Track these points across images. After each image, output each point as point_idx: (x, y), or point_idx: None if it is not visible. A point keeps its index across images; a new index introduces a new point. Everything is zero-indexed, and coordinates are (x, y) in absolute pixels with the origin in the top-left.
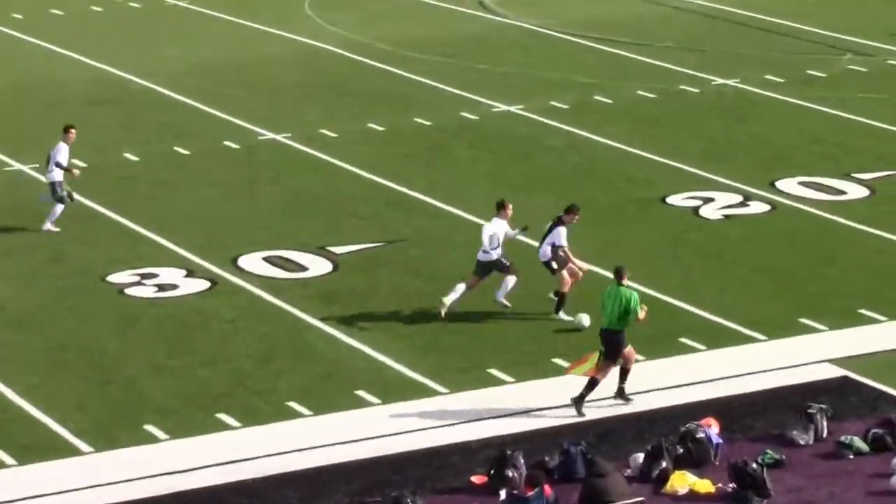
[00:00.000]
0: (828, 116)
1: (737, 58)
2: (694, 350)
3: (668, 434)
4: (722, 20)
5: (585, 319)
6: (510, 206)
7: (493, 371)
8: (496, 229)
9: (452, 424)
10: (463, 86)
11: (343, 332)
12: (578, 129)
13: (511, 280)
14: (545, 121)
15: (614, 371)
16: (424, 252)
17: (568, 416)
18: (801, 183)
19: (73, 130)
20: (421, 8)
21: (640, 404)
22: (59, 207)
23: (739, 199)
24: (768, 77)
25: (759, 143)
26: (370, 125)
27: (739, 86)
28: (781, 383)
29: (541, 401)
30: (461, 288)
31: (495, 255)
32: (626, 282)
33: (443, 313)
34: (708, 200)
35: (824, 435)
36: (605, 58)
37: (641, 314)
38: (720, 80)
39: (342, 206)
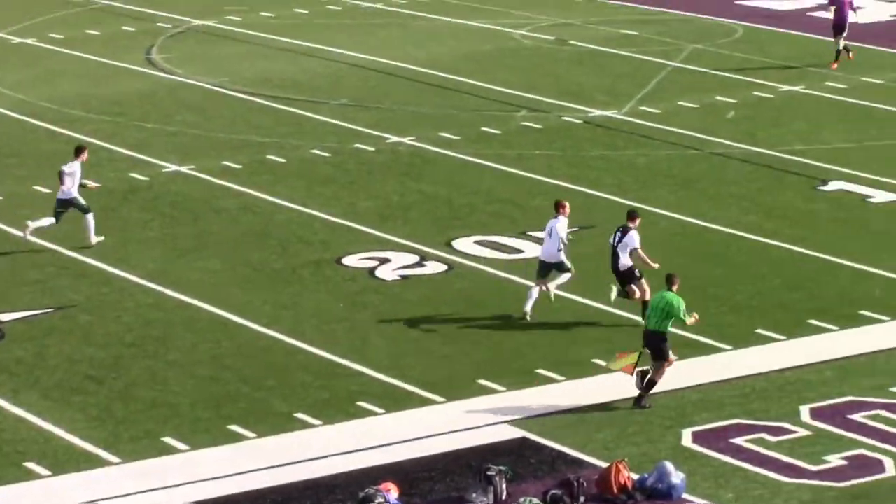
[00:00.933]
0: (504, 174)
1: (412, 115)
2: (372, 413)
3: (346, 500)
4: (396, 77)
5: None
6: (567, 205)
7: (168, 439)
8: (563, 228)
9: (126, 496)
10: (132, 146)
11: (10, 402)
12: (252, 189)
13: (567, 276)
14: (218, 181)
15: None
16: (95, 318)
17: (233, 487)
18: (477, 242)
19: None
20: (88, 66)
21: (318, 469)
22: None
23: (416, 259)
24: (443, 134)
25: (435, 201)
26: (36, 188)
27: (415, 143)
28: (460, 445)
29: (212, 471)
30: (535, 293)
31: (562, 255)
32: (675, 288)
33: (529, 319)
34: (384, 261)
35: (503, 497)
36: (279, 116)
37: (690, 319)
38: (395, 138)
39: (9, 272)
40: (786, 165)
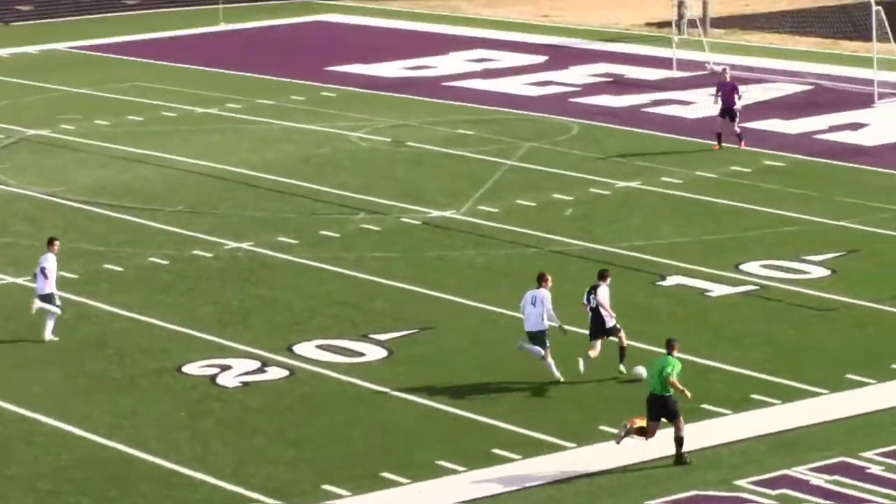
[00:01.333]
0: (344, 277)
1: (250, 220)
2: None
3: None
4: (233, 182)
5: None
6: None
7: None
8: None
9: None
10: None
11: None
12: (89, 299)
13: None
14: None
15: None
16: None
17: None
18: (318, 346)
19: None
20: None
21: None
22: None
23: (257, 365)
24: (282, 239)
25: (275, 306)
26: None
27: (253, 248)
28: None
29: None
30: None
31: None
32: (675, 354)
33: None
34: (225, 368)
35: None
36: (114, 224)
37: (674, 380)
38: (233, 244)
39: None
40: (624, 262)
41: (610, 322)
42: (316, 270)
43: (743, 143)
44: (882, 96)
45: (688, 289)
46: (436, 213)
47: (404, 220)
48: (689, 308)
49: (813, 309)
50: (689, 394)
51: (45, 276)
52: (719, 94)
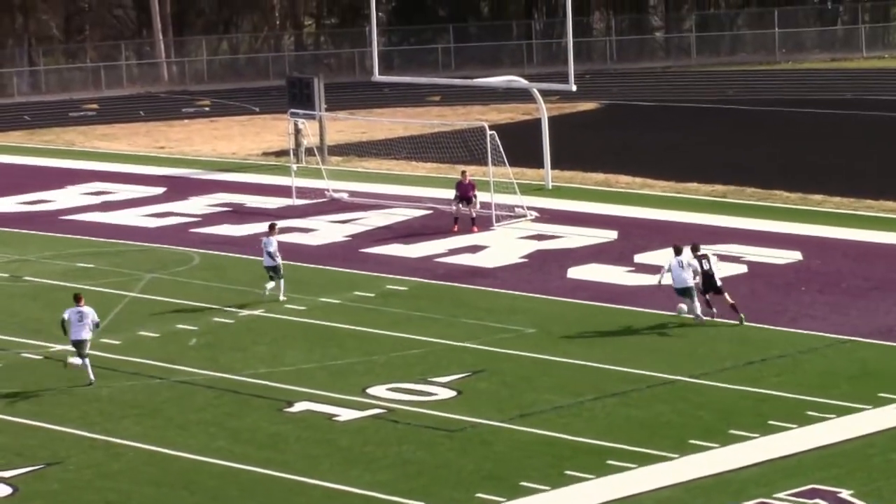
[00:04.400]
0: None
1: None
2: None
3: None
4: None
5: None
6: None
7: None
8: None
9: None
10: None
11: None
12: None
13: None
14: None
15: None
16: None
17: None
18: None
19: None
20: None
21: None
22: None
23: None
24: None
25: None
26: None
27: None
28: None
29: None
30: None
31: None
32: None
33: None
34: None
35: None
36: None
37: None
38: None
39: None
40: (251, 389)
41: (720, 283)
42: None
43: (475, 228)
44: (500, 219)
45: (316, 414)
46: (58, 347)
47: (25, 354)
48: (317, 433)
49: (440, 429)
50: None
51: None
52: (458, 190)
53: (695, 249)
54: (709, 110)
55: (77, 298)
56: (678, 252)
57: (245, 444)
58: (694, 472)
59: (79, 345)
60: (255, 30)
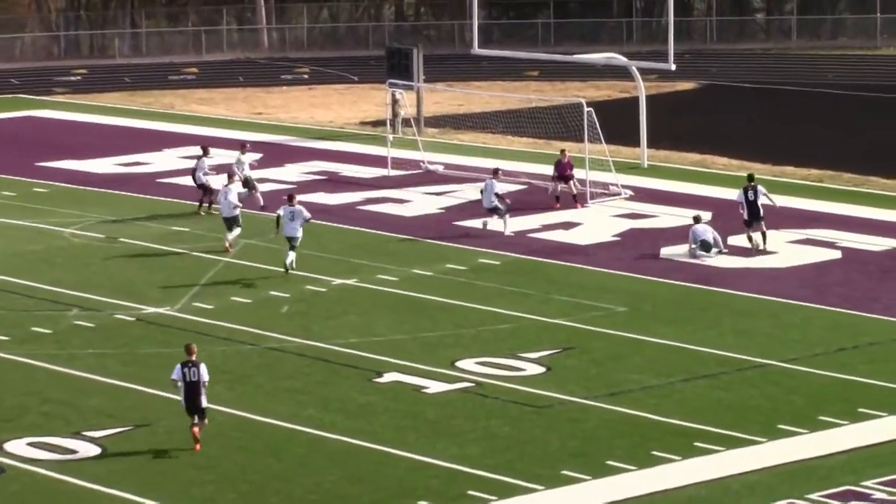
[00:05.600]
0: (57, 374)
1: None
2: None
3: None
4: None
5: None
6: None
7: None
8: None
9: None
10: None
11: None
12: None
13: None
14: None
15: None
16: None
17: None
18: (30, 444)
19: None
20: None
21: None
22: None
23: None
24: None
25: None
26: None
27: None
28: None
29: None
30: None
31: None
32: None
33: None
34: None
35: None
36: None
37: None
38: None
39: None
40: (341, 358)
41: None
42: (27, 367)
43: (579, 203)
44: (594, 196)
45: (404, 385)
46: (150, 310)
47: (118, 316)
48: (405, 404)
49: (528, 405)
50: None
51: None
52: (556, 169)
53: (750, 179)
54: (808, 94)
55: (290, 198)
56: (697, 221)
57: (334, 413)
58: (782, 457)
59: (291, 240)
60: None
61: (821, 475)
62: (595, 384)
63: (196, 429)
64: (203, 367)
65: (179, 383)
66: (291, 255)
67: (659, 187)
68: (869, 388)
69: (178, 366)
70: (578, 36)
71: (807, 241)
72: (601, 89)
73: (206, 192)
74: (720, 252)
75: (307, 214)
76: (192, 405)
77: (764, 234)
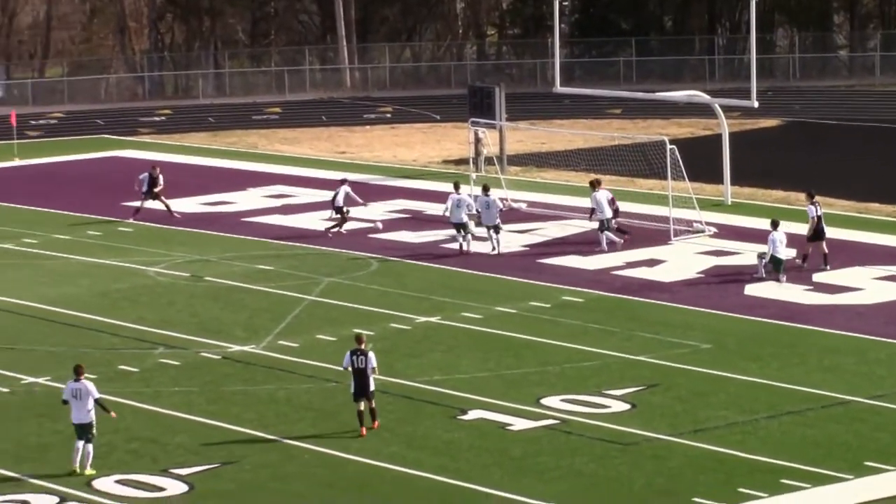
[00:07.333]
0: (143, 412)
1: (46, 355)
2: None
3: None
4: (29, 317)
5: None
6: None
7: None
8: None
9: None
10: None
11: None
12: None
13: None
14: None
15: None
16: None
17: None
18: (118, 481)
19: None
20: None
21: None
22: None
23: (56, 500)
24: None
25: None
26: None
27: (50, 383)
28: None
29: None
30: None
31: None
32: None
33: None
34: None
35: None
36: None
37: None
38: (30, 379)
39: None
40: (425, 395)
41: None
42: (115, 405)
43: (622, 239)
44: (678, 233)
45: (489, 422)
46: (236, 348)
47: (204, 354)
48: (490, 442)
49: (613, 442)
50: None
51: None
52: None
53: (810, 196)
54: (892, 130)
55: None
56: (775, 227)
57: (418, 451)
58: (869, 493)
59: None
60: (438, 38)
61: None
62: (680, 421)
63: (363, 413)
64: (371, 355)
65: (349, 370)
66: (494, 236)
67: (743, 224)
68: None
69: (348, 353)
70: (660, 73)
71: (893, 278)
72: (683, 126)
73: (342, 217)
74: (784, 275)
75: (500, 205)
76: (360, 390)
77: (825, 255)
